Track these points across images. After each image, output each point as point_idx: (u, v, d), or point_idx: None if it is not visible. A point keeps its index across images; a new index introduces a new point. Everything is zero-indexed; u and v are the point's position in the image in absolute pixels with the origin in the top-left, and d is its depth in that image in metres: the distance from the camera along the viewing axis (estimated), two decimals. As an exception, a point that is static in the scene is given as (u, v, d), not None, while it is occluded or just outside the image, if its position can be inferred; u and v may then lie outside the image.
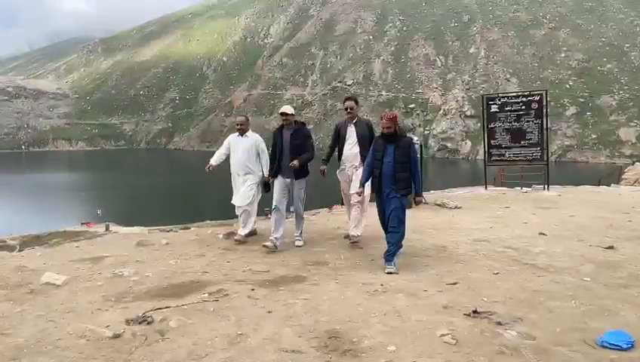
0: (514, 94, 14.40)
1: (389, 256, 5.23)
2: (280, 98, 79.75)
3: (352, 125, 6.32)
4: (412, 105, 69.87)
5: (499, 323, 3.69)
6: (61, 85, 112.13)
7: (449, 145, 64.36)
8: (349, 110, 6.33)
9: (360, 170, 6.01)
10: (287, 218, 6.59)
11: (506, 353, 3.21)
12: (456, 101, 67.72)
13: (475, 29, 78.10)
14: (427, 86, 71.76)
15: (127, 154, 79.46)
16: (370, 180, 5.61)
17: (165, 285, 4.65)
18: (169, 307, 4.00)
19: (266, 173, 6.61)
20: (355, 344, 3.34)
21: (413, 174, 5.36)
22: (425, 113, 68.86)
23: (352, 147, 6.29)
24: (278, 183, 6.31)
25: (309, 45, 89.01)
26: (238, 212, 6.74)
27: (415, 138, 12.08)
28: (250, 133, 6.79)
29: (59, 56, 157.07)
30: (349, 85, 75.58)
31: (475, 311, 3.93)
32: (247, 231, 6.59)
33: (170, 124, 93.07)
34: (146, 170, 55.55)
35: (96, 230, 8.85)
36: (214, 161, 6.85)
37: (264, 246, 5.95)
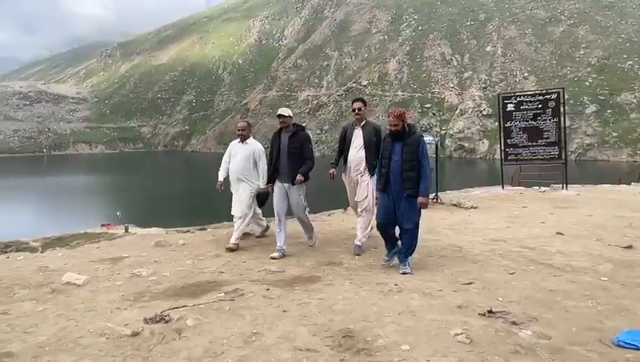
0: (530, 93, 14.26)
1: (404, 257, 5.16)
2: (295, 99, 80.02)
3: (359, 128, 6.05)
4: (428, 105, 69.44)
5: (514, 323, 3.68)
6: (81, 89, 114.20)
7: (466, 144, 63.78)
8: (357, 111, 6.05)
9: (367, 177, 5.92)
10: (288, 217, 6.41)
11: (520, 352, 3.20)
12: (473, 100, 67.11)
13: (491, 27, 77.32)
14: (443, 85, 71.24)
15: (145, 156, 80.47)
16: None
17: (182, 285, 4.72)
18: (186, 306, 4.06)
19: (262, 184, 6.36)
20: (369, 343, 3.36)
21: (420, 172, 5.05)
22: (441, 113, 68.37)
23: (357, 151, 6.00)
24: (277, 189, 6.08)
25: (323, 46, 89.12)
26: (234, 220, 6.64)
27: (430, 138, 12.06)
28: (251, 140, 6.61)
29: (78, 61, 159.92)
30: (364, 86, 75.45)
31: (489, 311, 3.92)
32: (237, 237, 6.41)
33: (187, 127, 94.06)
34: (163, 172, 56.20)
35: (116, 231, 9.02)
36: (221, 175, 6.70)
37: (272, 258, 5.74)
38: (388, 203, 5.21)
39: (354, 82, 77.20)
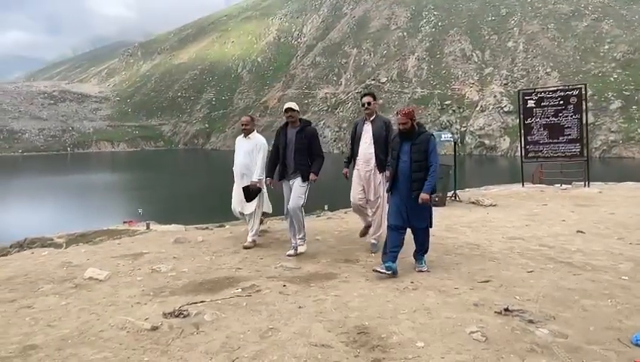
0: (552, 89, 14.03)
1: (419, 256, 5.13)
2: (314, 97, 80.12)
3: (369, 123, 5.86)
4: (448, 102, 68.73)
5: (530, 321, 3.65)
6: (103, 88, 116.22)
7: (487, 141, 62.95)
8: (366, 106, 5.85)
9: (377, 176, 5.79)
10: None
11: (536, 351, 3.18)
12: (494, 96, 66.18)
13: (513, 22, 76.12)
14: (463, 82, 70.44)
15: (166, 154, 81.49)
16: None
17: (200, 280, 4.81)
18: (204, 301, 4.14)
19: (256, 178, 6.20)
20: (384, 339, 3.38)
21: (428, 171, 4.88)
22: (461, 109, 67.60)
23: (367, 146, 5.80)
24: (285, 188, 5.96)
25: (342, 43, 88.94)
26: (245, 217, 6.53)
27: (449, 135, 11.98)
28: (254, 134, 6.49)
29: (101, 61, 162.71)
30: (382, 83, 75.07)
31: (506, 309, 3.89)
32: (255, 236, 6.42)
33: (206, 125, 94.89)
34: (184, 170, 56.85)
35: (138, 228, 9.20)
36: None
37: (288, 256, 5.69)
38: (399, 205, 5.05)
39: (372, 79, 76.86)
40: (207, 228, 8.25)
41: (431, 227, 5.15)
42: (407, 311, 3.91)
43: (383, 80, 75.84)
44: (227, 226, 8.33)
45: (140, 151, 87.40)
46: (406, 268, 5.18)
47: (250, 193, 6.21)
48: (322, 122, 73.10)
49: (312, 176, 5.71)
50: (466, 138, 63.45)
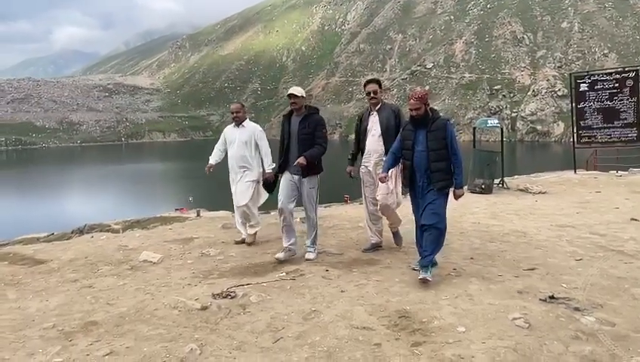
0: (606, 71, 13.36)
1: (425, 262, 4.30)
2: (358, 85, 79.50)
3: (375, 113, 5.17)
4: (497, 87, 66.60)
5: (576, 309, 3.59)
6: (154, 81, 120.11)
7: (539, 127, 60.70)
8: (371, 95, 5.14)
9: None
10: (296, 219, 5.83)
11: (581, 338, 3.14)
12: (547, 80, 63.56)
13: (567, 1, 72.53)
14: (514, 65, 67.95)
15: (214, 144, 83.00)
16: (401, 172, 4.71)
17: (247, 264, 4.99)
18: (250, 284, 4.31)
19: (267, 168, 5.69)
20: (425, 324, 3.42)
21: (453, 162, 4.36)
22: (512, 94, 65.36)
23: (375, 140, 5.13)
24: (284, 180, 5.19)
25: (386, 30, 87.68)
26: (237, 212, 6.01)
27: (496, 121, 11.69)
28: (247, 122, 5.96)
29: (152, 54, 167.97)
30: (428, 68, 73.60)
31: (551, 297, 3.84)
32: (255, 229, 5.95)
33: (252, 114, 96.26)
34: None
35: (189, 215, 9.57)
36: (213, 159, 6.07)
37: (276, 258, 4.99)
38: (416, 199, 4.58)
39: (418, 65, 75.48)
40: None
41: (445, 228, 4.47)
42: (448, 296, 3.92)
43: (429, 65, 74.31)
44: (272, 213, 8.52)
45: (189, 141, 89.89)
46: (447, 255, 5.17)
47: (270, 184, 5.62)
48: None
49: (300, 159, 4.88)
50: (517, 124, 61.41)
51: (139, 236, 6.76)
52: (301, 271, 4.69)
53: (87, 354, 3.04)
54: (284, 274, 4.62)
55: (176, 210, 12.54)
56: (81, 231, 9.49)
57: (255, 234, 5.98)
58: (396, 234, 5.46)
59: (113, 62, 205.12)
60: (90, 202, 29.03)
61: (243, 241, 5.95)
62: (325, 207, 8.55)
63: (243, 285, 4.28)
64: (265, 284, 4.31)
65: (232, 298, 3.98)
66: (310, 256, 5.14)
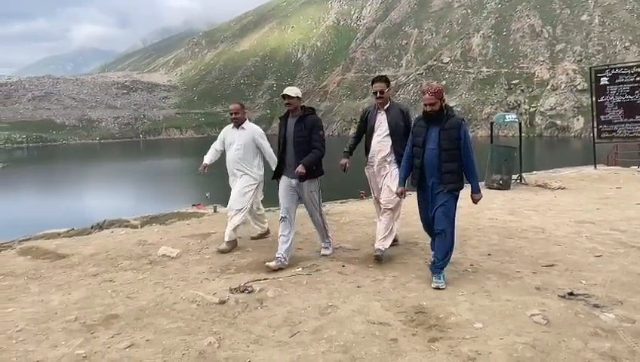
0: (628, 65, 13.09)
1: (437, 269, 4.18)
2: (374, 80, 79.11)
3: (383, 112, 4.98)
4: (515, 81, 65.65)
5: (596, 306, 3.56)
6: (171, 78, 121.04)
7: (558, 122, 59.65)
8: (378, 94, 4.95)
9: (394, 168, 4.88)
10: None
11: (600, 335, 3.11)
12: (567, 74, 62.43)
13: (588, -7, 71.08)
14: (532, 59, 66.91)
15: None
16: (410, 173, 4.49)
17: (263, 259, 5.02)
18: (267, 279, 4.36)
19: (274, 165, 5.35)
20: (442, 319, 3.42)
21: (466, 165, 4.19)
22: (530, 89, 64.37)
23: (381, 139, 4.95)
24: (283, 186, 5.01)
25: (402, 24, 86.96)
26: (228, 214, 5.73)
27: (513, 116, 11.55)
28: (247, 123, 5.76)
29: (168, 51, 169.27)
30: (445, 63, 72.84)
31: (570, 293, 3.81)
32: (234, 236, 5.56)
33: (268, 111, 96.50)
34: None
35: (206, 211, 9.65)
36: (208, 159, 5.91)
37: (267, 266, 4.69)
38: (425, 200, 4.44)
39: (435, 60, 74.75)
40: (269, 210, 8.51)
41: (453, 231, 4.33)
42: (465, 292, 3.92)
43: (446, 60, 73.53)
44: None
45: (206, 138, 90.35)
46: (465, 251, 5.15)
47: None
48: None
49: (299, 168, 4.68)
50: (536, 118, 60.51)
51: (157, 231, 6.85)
52: (317, 266, 4.72)
53: (109, 347, 3.11)
54: (300, 269, 4.65)
55: (194, 205, 12.62)
56: (100, 227, 9.61)
57: (263, 234, 6.02)
58: (378, 257, 4.80)
59: (131, 59, 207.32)
60: (109, 198, 29.45)
61: (259, 236, 6.00)
62: (342, 203, 8.55)
63: (260, 280, 4.32)
64: (281, 279, 4.35)
65: (249, 292, 4.02)
66: (326, 251, 5.16)
